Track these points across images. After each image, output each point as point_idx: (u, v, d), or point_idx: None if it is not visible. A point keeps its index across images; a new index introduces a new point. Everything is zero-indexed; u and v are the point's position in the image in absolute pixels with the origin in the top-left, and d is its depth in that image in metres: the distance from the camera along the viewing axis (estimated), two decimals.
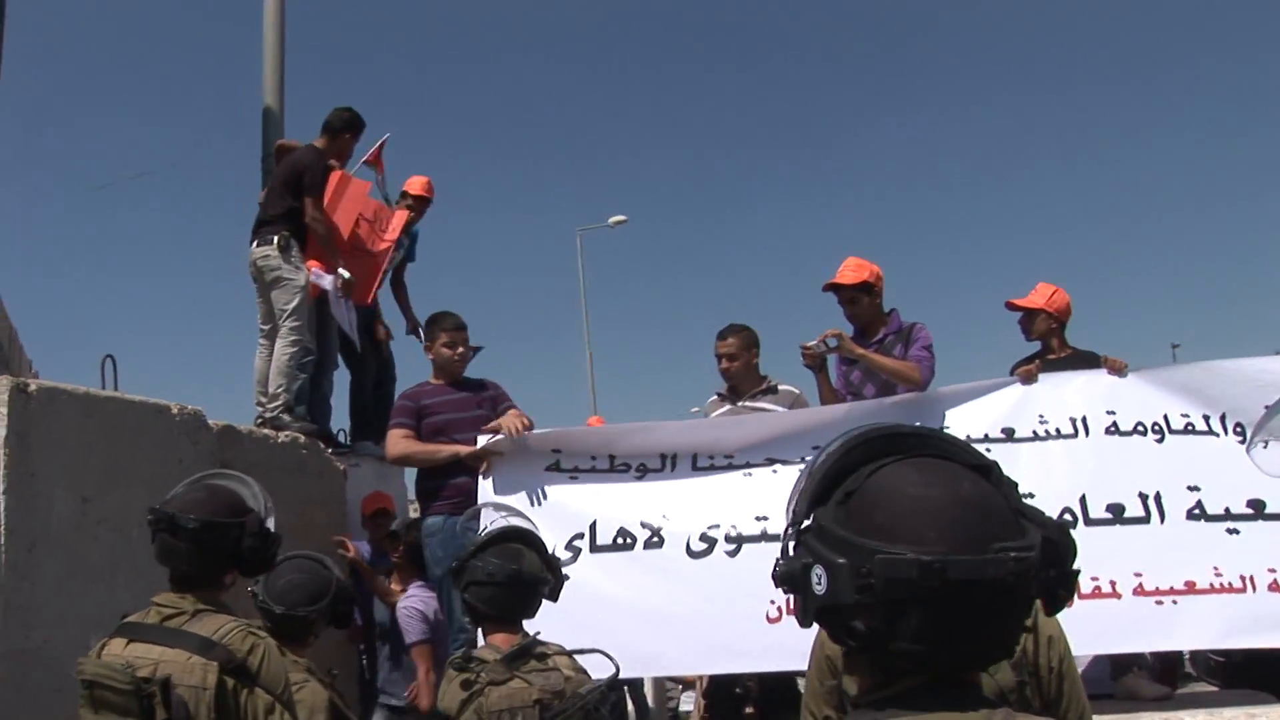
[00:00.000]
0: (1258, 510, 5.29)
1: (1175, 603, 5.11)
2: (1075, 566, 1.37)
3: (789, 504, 1.49)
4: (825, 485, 1.44)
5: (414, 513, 7.16)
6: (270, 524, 3.35)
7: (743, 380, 6.20)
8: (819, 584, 1.35)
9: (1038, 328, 6.16)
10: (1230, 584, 5.13)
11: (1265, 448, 2.03)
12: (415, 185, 8.45)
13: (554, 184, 58.00)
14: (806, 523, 1.44)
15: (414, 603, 6.03)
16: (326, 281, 7.08)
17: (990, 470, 1.42)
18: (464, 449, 5.80)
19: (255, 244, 7.16)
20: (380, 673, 6.32)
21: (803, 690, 3.23)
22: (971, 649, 1.34)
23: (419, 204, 8.41)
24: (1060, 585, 1.35)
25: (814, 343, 5.96)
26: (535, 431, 5.84)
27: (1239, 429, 5.53)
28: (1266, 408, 5.55)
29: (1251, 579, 5.12)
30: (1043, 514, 1.39)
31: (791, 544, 1.44)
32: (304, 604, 4.00)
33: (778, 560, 1.46)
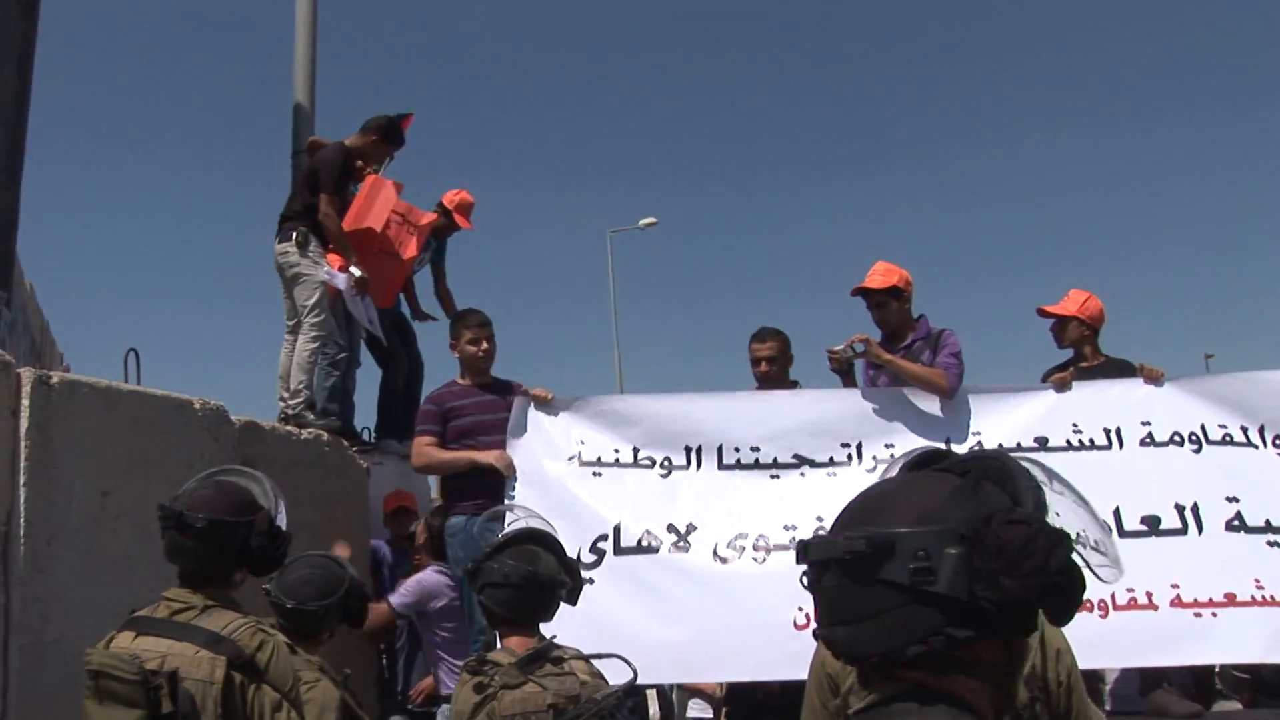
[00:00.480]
0: None
1: (1215, 615, 5.02)
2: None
3: None
4: None
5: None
6: (281, 521, 3.31)
7: (776, 384, 6.14)
8: None
9: (1070, 335, 6.07)
10: (1273, 597, 5.03)
11: None
12: (457, 205, 8.25)
13: (586, 186, 57.90)
14: None
15: (423, 576, 5.97)
16: (340, 280, 7.03)
17: (968, 473, 1.52)
18: (481, 456, 5.77)
19: (277, 240, 7.15)
20: (400, 682, 6.27)
21: (802, 713, 3.16)
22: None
23: (463, 210, 8.30)
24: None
25: (841, 347, 5.89)
26: (562, 399, 5.87)
27: (1277, 441, 5.43)
28: None
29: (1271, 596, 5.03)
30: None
31: None
32: (314, 599, 3.96)
33: None
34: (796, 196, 62.60)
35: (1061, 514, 1.49)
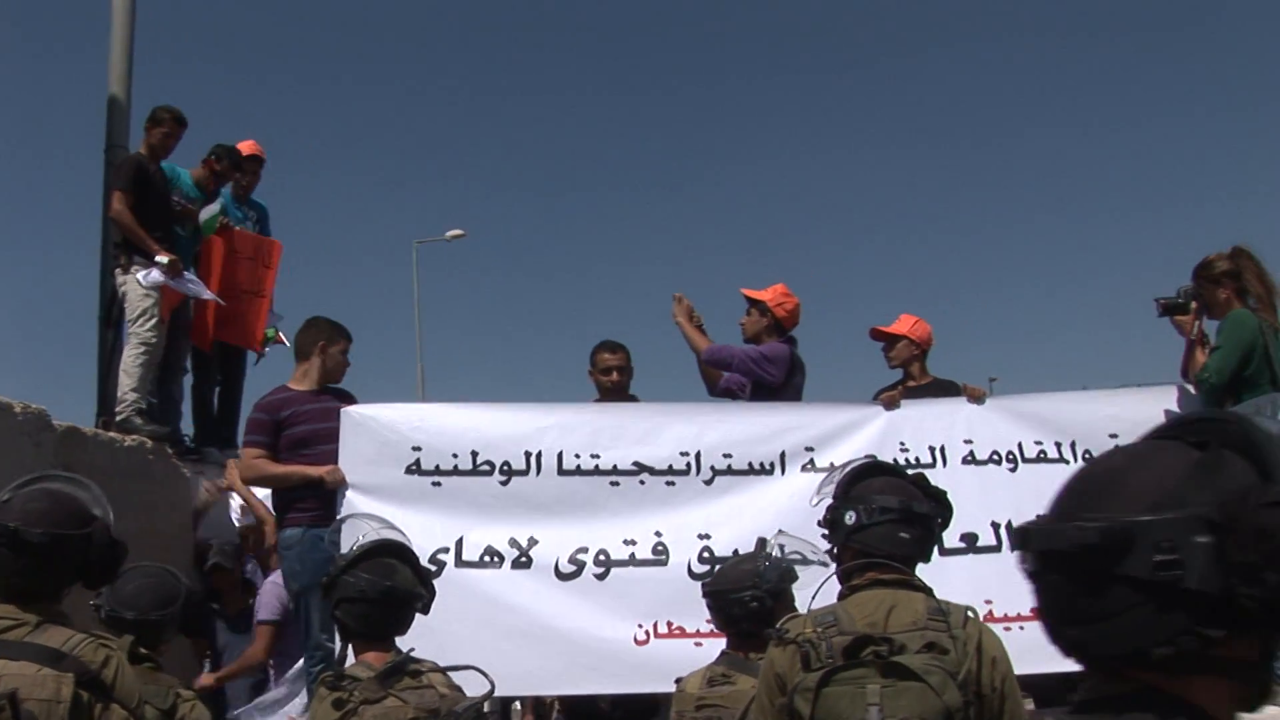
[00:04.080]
0: None
1: (1023, 629, 5.26)
2: None
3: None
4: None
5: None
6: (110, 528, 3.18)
7: (621, 396, 6.27)
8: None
9: (900, 354, 6.32)
10: None
11: None
12: (245, 147, 8.18)
13: (392, 196, 56.64)
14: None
15: (269, 586, 5.87)
16: (154, 277, 6.87)
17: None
18: (313, 471, 5.58)
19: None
20: (236, 704, 6.10)
21: (751, 712, 3.23)
22: None
23: (252, 165, 8.20)
24: None
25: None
26: (395, 406, 5.82)
27: (1087, 456, 5.76)
28: (1111, 436, 5.81)
29: None
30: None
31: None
32: (156, 608, 3.83)
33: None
34: (608, 210, 63.00)
35: None
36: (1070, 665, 1.39)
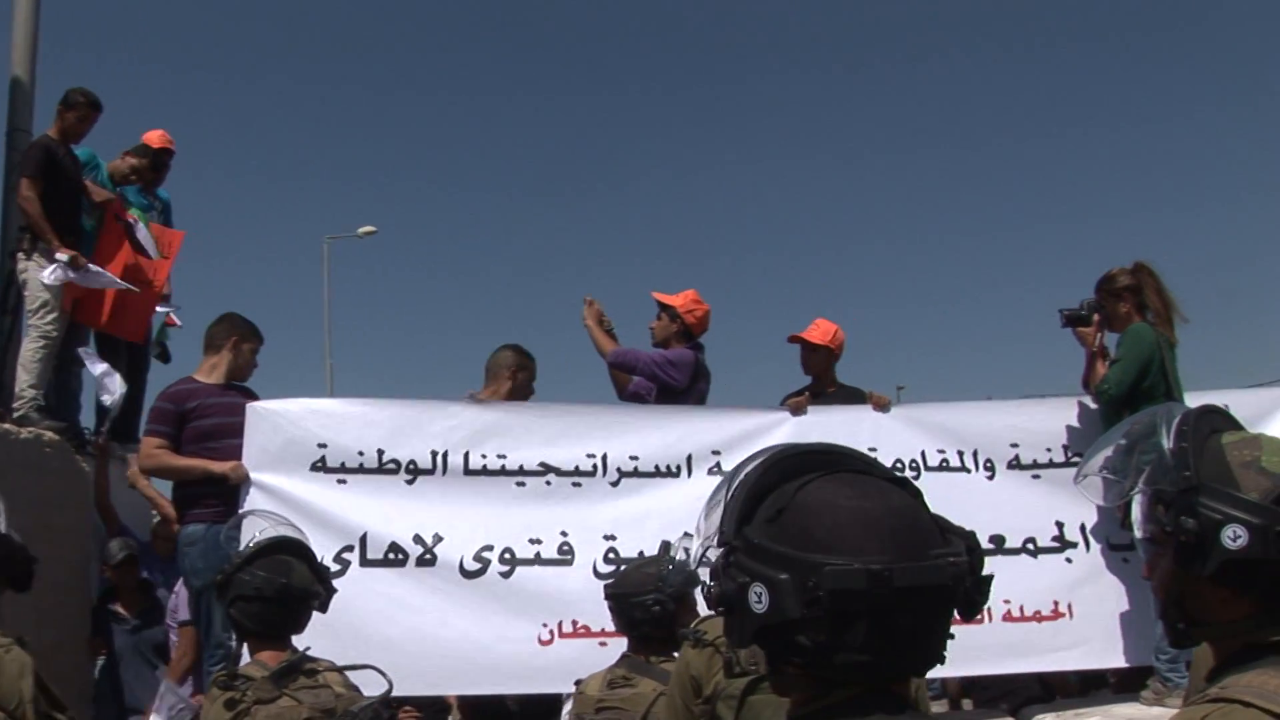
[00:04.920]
0: (998, 545, 5.63)
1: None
2: (987, 574, 1.40)
3: (706, 526, 1.46)
4: (749, 504, 1.41)
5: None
6: (1, 524, 3.13)
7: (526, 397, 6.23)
8: (759, 602, 1.33)
9: (818, 362, 6.38)
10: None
11: (1087, 480, 2.15)
12: (154, 139, 8.03)
13: (303, 191, 55.70)
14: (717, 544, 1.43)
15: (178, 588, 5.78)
16: (56, 274, 6.72)
17: (907, 483, 1.44)
18: (216, 466, 5.49)
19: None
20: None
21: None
22: (912, 656, 1.35)
23: (161, 156, 8.05)
24: (977, 592, 1.38)
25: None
26: (301, 401, 5.75)
27: (988, 465, 5.87)
28: (1012, 446, 5.92)
29: (989, 610, 5.41)
30: (954, 524, 1.42)
31: (721, 565, 1.40)
32: None
33: (707, 584, 1.43)
34: (522, 209, 62.75)
35: None
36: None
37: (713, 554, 1.44)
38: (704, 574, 1.47)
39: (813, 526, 1.34)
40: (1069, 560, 5.76)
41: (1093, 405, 5.93)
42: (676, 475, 5.74)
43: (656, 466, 5.75)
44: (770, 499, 1.40)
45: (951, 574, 1.33)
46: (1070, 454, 5.92)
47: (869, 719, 1.34)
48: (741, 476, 1.44)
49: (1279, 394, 6.39)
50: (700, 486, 5.64)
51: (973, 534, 1.40)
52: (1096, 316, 5.94)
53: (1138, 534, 1.93)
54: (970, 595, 1.36)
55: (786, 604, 1.31)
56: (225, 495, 5.47)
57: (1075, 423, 6.00)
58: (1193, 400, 4.58)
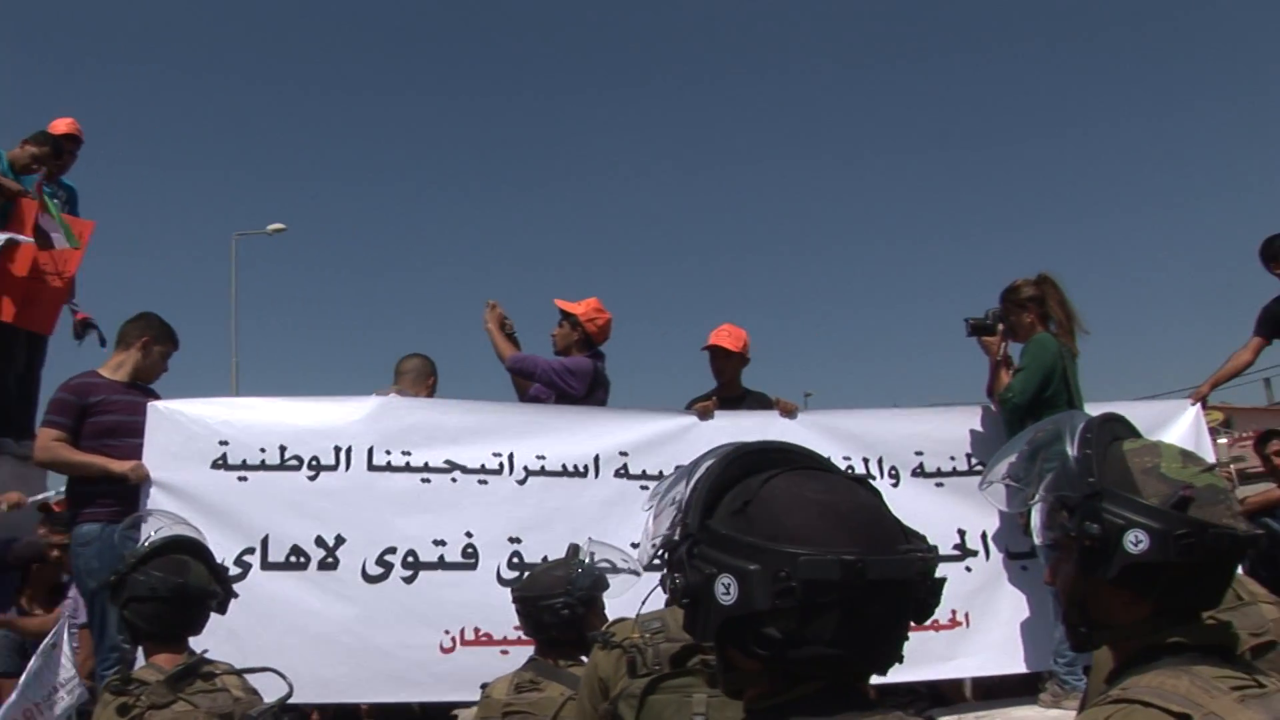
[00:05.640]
0: None
1: None
2: (939, 577, 1.39)
3: (656, 526, 1.46)
4: (712, 497, 1.40)
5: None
6: None
7: None
8: (726, 594, 1.31)
9: (731, 367, 6.41)
10: None
11: (991, 487, 2.18)
12: (61, 126, 7.85)
13: (213, 187, 54.58)
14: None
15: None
16: None
17: (866, 482, 1.44)
18: (115, 465, 5.36)
19: None
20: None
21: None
22: (876, 652, 1.34)
23: (68, 145, 7.85)
24: (930, 594, 1.37)
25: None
26: (203, 400, 5.63)
27: (893, 472, 5.93)
28: (917, 454, 5.99)
29: None
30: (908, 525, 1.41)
31: (685, 557, 1.38)
32: None
33: (671, 576, 1.41)
34: (432, 209, 62.31)
35: None
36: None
37: (664, 553, 1.44)
38: (655, 574, 1.47)
39: (783, 518, 1.33)
40: (969, 569, 5.85)
41: (996, 413, 6.02)
42: (584, 475, 5.72)
43: (564, 466, 5.71)
44: (734, 492, 1.40)
45: (919, 568, 1.34)
46: (973, 462, 6.02)
47: (839, 716, 1.33)
48: (702, 470, 1.44)
49: (1174, 406, 6.53)
50: (607, 488, 5.64)
51: (924, 537, 1.40)
52: (1001, 326, 6.03)
53: (1039, 540, 1.96)
54: (924, 598, 1.36)
55: (756, 595, 1.29)
56: (122, 495, 5.33)
57: (979, 430, 6.10)
58: (1093, 410, 4.69)
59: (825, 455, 4.99)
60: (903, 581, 1.32)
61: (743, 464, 1.43)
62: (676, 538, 1.42)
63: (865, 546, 1.30)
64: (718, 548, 1.35)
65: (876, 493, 1.42)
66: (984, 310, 6.08)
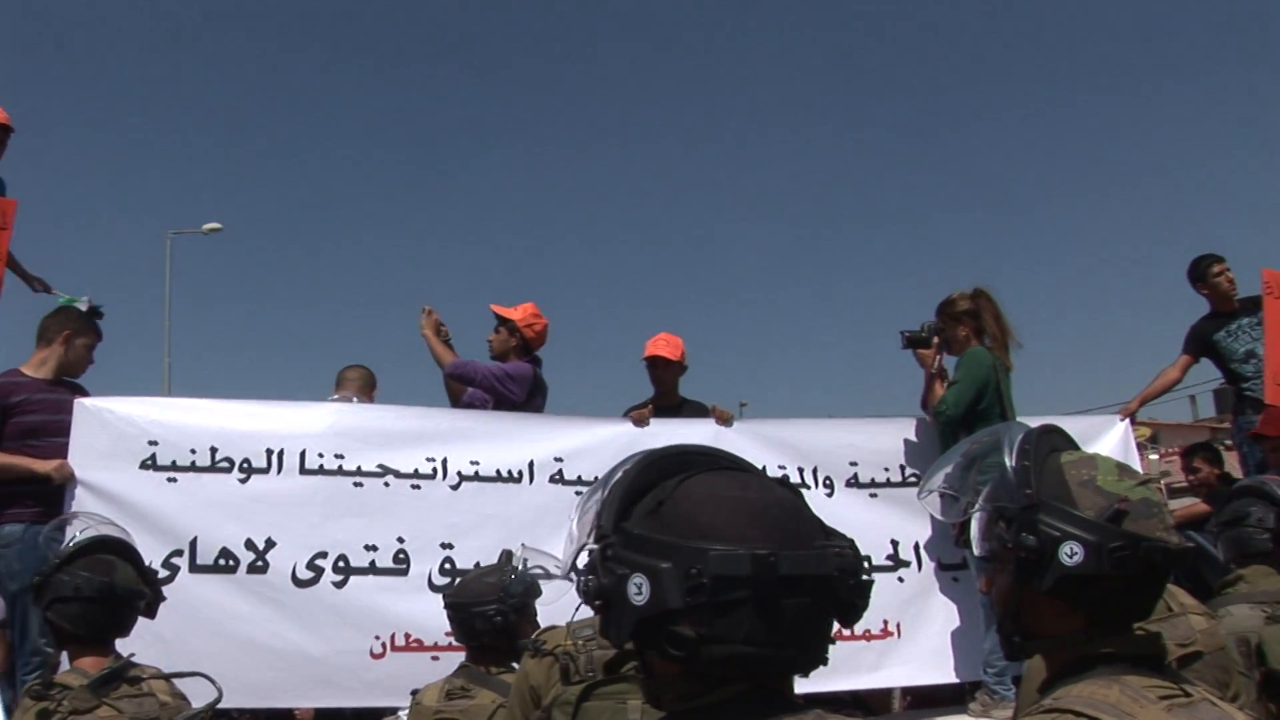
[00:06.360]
0: None
1: None
2: (867, 579, 1.38)
3: (580, 531, 1.44)
4: (627, 500, 1.39)
5: None
6: None
7: None
8: (639, 594, 1.30)
9: (671, 375, 6.45)
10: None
11: (929, 496, 2.21)
12: None
13: (147, 185, 53.68)
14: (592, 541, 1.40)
15: None
16: None
17: (787, 482, 1.44)
18: (39, 465, 5.23)
19: None
20: None
21: None
22: (794, 652, 1.32)
23: (0, 134, 7.66)
24: (858, 596, 1.36)
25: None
26: (133, 399, 5.54)
27: (828, 482, 5.98)
28: (851, 464, 6.04)
29: None
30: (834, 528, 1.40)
31: (598, 559, 1.37)
32: None
33: (584, 579, 1.39)
34: (369, 213, 61.89)
35: None
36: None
37: (584, 558, 1.42)
38: (574, 579, 1.44)
39: (696, 515, 1.32)
40: (901, 580, 5.90)
41: (930, 425, 6.09)
42: (518, 481, 5.69)
43: (498, 471, 5.68)
44: (650, 494, 1.38)
45: (836, 564, 1.32)
46: (907, 473, 6.08)
47: None
48: (619, 475, 1.42)
49: (1104, 421, 6.65)
50: (541, 494, 5.63)
51: (852, 540, 1.39)
52: (936, 339, 6.09)
53: (975, 550, 1.98)
54: (851, 599, 1.35)
55: (668, 593, 1.28)
56: (46, 495, 5.20)
57: (913, 442, 6.16)
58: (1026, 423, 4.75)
59: (760, 464, 5.03)
60: (821, 578, 1.30)
61: (660, 467, 1.41)
62: (592, 541, 1.41)
63: (779, 542, 1.29)
64: (631, 549, 1.33)
65: (797, 492, 1.41)
66: (920, 323, 6.14)
